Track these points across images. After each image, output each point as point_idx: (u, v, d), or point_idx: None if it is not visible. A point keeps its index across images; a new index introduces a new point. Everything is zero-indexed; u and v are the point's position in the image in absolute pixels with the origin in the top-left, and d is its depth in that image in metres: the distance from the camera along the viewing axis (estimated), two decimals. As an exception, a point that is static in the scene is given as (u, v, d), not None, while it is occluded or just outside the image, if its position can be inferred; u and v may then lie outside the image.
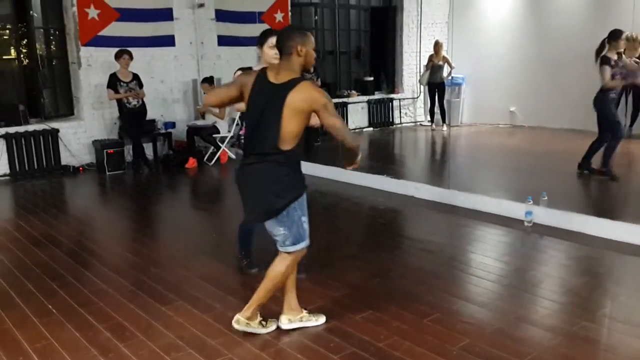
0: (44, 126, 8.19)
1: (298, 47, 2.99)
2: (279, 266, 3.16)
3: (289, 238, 3.11)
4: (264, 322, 3.24)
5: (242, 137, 3.66)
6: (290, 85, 2.94)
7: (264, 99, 2.99)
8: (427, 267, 4.31)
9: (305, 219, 3.16)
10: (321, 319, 3.34)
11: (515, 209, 5.17)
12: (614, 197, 6.39)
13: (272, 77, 3.01)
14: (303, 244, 3.16)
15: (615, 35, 6.06)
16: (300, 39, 3.01)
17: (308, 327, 3.30)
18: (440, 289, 3.82)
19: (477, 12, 11.83)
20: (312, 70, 9.72)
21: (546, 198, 5.11)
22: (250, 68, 3.84)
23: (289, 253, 3.14)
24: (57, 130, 8.24)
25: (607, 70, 6.05)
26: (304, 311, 3.36)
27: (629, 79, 6.38)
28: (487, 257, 4.45)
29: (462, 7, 12.20)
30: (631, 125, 9.66)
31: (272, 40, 3.61)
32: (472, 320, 3.37)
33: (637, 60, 9.65)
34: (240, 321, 3.18)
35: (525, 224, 5.02)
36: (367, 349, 3.04)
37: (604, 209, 5.60)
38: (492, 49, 11.23)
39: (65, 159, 8.36)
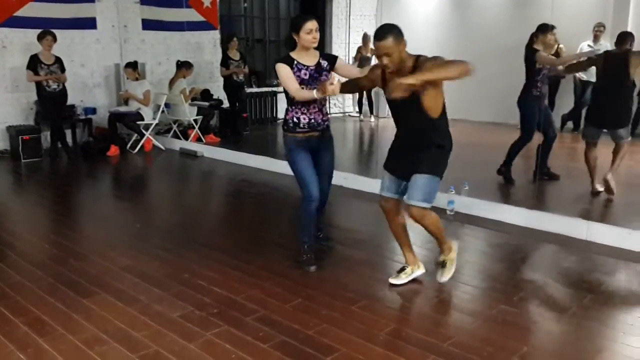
0: (-48, 110, 7.68)
1: None
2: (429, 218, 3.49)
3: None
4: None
5: None
6: None
7: None
8: (355, 255, 4.37)
9: None
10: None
11: (438, 199, 5.31)
12: (531, 188, 6.69)
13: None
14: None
15: (543, 29, 6.19)
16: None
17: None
18: (368, 277, 3.89)
19: (405, 7, 12.05)
20: (238, 57, 9.68)
21: (467, 188, 5.30)
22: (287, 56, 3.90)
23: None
24: (-33, 115, 7.76)
25: (543, 55, 6.02)
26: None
27: (552, 72, 6.52)
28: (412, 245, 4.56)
29: (390, 1, 12.41)
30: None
31: (309, 24, 3.74)
32: (398, 306, 3.47)
33: (553, 55, 10.19)
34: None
35: (448, 212, 5.20)
36: (296, 336, 3.06)
37: (521, 198, 5.88)
38: (418, 44, 11.34)
39: (-24, 145, 7.88)
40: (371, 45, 11.12)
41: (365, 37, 11.19)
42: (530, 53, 6.07)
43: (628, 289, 3.84)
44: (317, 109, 3.90)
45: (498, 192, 6.23)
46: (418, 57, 3.37)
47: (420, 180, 3.43)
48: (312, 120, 3.89)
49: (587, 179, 5.85)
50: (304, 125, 3.88)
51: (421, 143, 3.48)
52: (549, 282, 3.89)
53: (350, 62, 11.96)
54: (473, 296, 3.65)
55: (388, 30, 3.25)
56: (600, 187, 5.73)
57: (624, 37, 5.64)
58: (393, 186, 3.65)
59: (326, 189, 4.17)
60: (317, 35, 3.78)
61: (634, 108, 7.34)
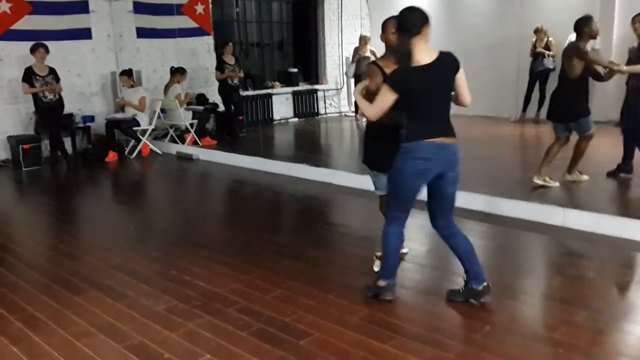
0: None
1: None
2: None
3: None
4: None
5: None
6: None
7: None
8: (339, 248, 4.54)
9: None
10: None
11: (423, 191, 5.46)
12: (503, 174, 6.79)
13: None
14: None
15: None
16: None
17: None
18: (348, 267, 4.06)
19: (397, 6, 12.17)
20: (233, 61, 9.86)
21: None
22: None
23: None
24: (-31, 127, 7.99)
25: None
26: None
27: None
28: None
29: (381, 1, 12.57)
30: (538, 110, 10.30)
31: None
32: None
33: (542, 50, 10.31)
34: None
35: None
36: (274, 324, 3.23)
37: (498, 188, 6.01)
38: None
39: (-21, 156, 8.11)
40: (369, 46, 11.25)
41: (362, 38, 11.28)
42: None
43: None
44: None
45: (486, 184, 6.36)
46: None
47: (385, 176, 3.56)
48: None
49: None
50: None
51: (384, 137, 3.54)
52: (519, 266, 4.03)
53: (344, 61, 12.17)
54: (438, 279, 3.78)
55: None
56: (538, 180, 5.68)
57: (577, 25, 5.48)
58: (376, 183, 3.79)
59: None
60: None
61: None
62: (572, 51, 5.44)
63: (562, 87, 5.61)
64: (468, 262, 3.32)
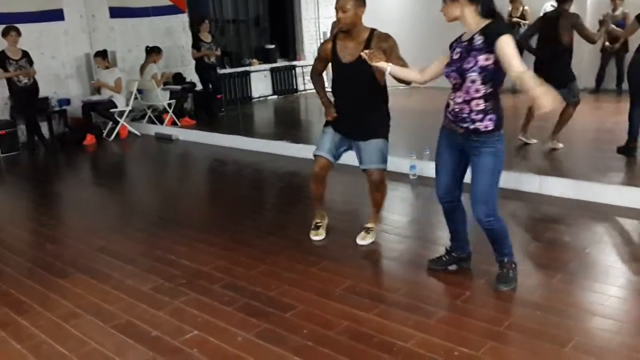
0: None
1: None
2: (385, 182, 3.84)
3: None
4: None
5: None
6: None
7: None
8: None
9: None
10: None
11: (401, 164, 5.54)
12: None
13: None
14: None
15: None
16: None
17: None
18: (331, 241, 4.11)
19: (369, 2, 12.09)
20: (210, 39, 9.76)
21: (428, 152, 5.51)
22: None
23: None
24: (-59, 114, 7.84)
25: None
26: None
27: None
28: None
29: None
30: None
31: None
32: (355, 265, 3.68)
33: (518, 18, 10.34)
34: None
35: (410, 177, 5.42)
36: (259, 298, 3.28)
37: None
38: (390, 15, 11.56)
39: (-47, 143, 7.97)
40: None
41: None
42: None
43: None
44: (460, 99, 3.01)
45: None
46: (372, 30, 3.62)
47: (377, 145, 3.73)
48: (457, 109, 3.04)
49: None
50: (450, 110, 3.10)
51: (370, 109, 3.72)
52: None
53: (322, 36, 12.11)
54: (420, 250, 3.86)
55: None
56: (523, 137, 6.14)
57: None
58: (333, 149, 3.87)
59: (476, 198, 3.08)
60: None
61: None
62: (572, 21, 5.65)
63: (553, 53, 5.73)
64: (463, 231, 3.39)
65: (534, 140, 6.23)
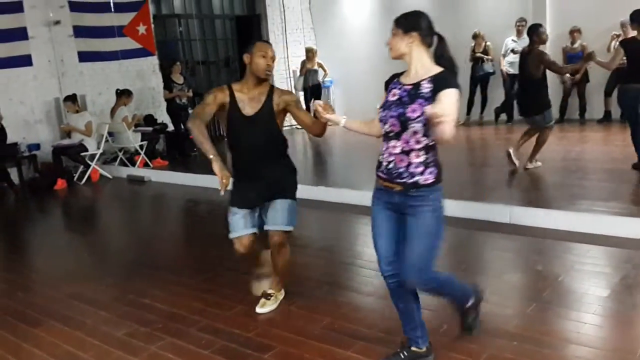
0: None
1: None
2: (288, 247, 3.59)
3: None
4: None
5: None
6: None
7: None
8: (296, 260, 4.54)
9: None
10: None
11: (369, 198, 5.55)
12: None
13: None
14: None
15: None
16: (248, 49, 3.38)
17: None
18: (307, 278, 4.11)
19: (339, 17, 12.41)
20: (182, 81, 9.83)
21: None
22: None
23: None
24: None
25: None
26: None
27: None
28: (348, 242, 4.82)
29: (324, 13, 12.75)
30: (481, 112, 10.74)
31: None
32: (332, 302, 3.68)
33: (481, 54, 10.66)
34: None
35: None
36: (237, 339, 3.25)
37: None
38: (356, 52, 11.83)
39: None
40: (317, 59, 11.39)
41: (309, 51, 11.41)
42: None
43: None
44: (398, 149, 2.60)
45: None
46: (272, 85, 3.50)
47: (284, 205, 3.43)
48: (391, 165, 2.64)
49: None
50: (382, 169, 2.69)
51: (275, 163, 3.49)
52: (470, 265, 4.18)
53: (291, 75, 12.29)
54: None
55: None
56: (530, 165, 6.49)
57: (529, 33, 6.41)
58: (249, 222, 3.50)
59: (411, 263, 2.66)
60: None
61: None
62: (539, 58, 6.16)
63: (527, 86, 6.37)
64: (417, 311, 2.87)
65: (539, 164, 6.56)
